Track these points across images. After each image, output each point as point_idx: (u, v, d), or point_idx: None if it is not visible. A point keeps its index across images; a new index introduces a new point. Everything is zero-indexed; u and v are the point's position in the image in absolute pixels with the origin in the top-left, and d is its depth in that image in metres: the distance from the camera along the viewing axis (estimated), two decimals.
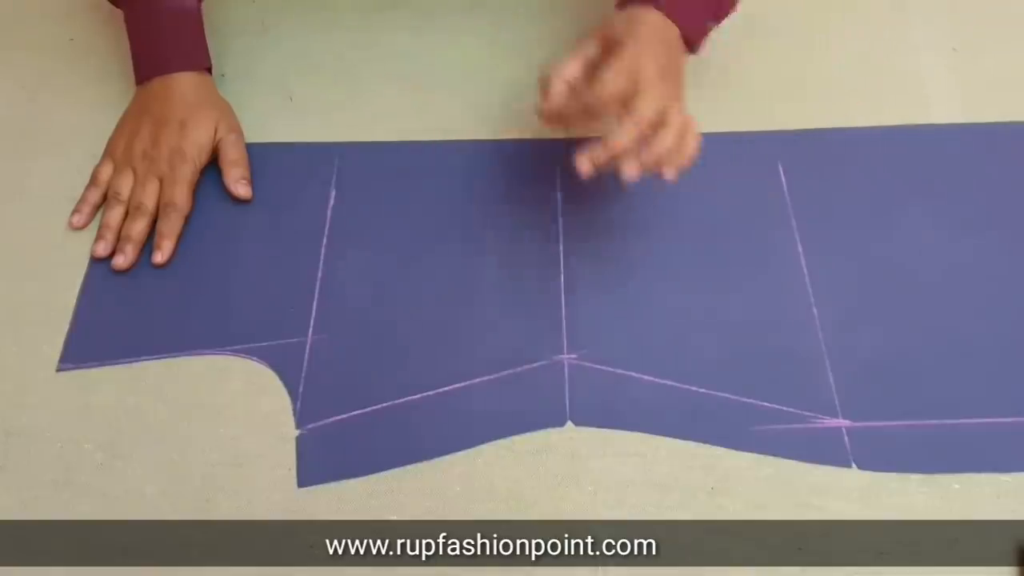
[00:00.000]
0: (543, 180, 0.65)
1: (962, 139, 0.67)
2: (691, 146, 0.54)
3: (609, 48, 0.56)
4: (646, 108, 0.52)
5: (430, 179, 0.66)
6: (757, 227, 0.63)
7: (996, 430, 0.53)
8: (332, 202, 0.65)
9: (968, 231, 0.62)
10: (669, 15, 0.59)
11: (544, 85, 0.57)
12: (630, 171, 0.52)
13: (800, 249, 0.61)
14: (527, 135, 0.68)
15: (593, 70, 0.56)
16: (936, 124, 0.68)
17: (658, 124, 0.52)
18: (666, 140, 0.52)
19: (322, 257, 0.62)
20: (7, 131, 0.70)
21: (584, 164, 0.53)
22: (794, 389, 0.55)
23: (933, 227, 0.62)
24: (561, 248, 0.61)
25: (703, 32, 0.63)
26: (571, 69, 0.56)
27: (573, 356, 0.57)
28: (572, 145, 0.66)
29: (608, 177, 0.64)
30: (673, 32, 0.59)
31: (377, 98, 0.71)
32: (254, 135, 0.68)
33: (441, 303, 0.59)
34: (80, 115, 0.71)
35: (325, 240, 0.63)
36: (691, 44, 0.62)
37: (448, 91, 0.71)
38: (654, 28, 0.58)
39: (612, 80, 0.53)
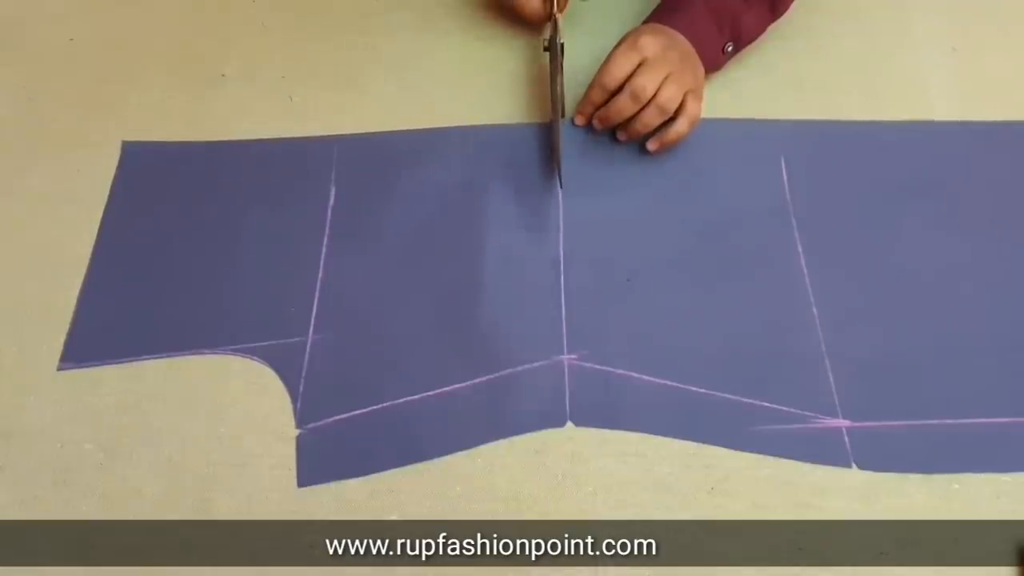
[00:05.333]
0: (544, 182, 0.65)
1: (962, 138, 0.67)
2: (677, 127, 0.62)
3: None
4: (639, 82, 0.60)
5: (430, 176, 0.66)
6: (757, 227, 0.63)
7: (996, 430, 0.53)
8: (332, 201, 0.65)
9: (968, 231, 0.62)
10: (680, 32, 0.64)
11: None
12: (620, 137, 0.65)
13: (800, 249, 0.61)
14: (527, 135, 0.68)
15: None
16: (937, 121, 0.68)
17: (652, 99, 0.61)
18: (650, 117, 0.61)
19: (323, 256, 0.62)
20: (7, 131, 0.70)
21: (580, 120, 0.66)
22: (794, 389, 0.55)
23: (933, 227, 0.62)
24: (561, 248, 0.61)
25: (718, 55, 0.67)
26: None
27: (573, 356, 0.57)
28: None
29: (608, 178, 0.65)
30: (683, 39, 0.63)
31: (377, 99, 0.71)
32: (254, 136, 0.68)
33: (441, 303, 0.59)
34: (80, 115, 0.71)
35: (326, 240, 0.63)
36: (707, 65, 0.65)
37: (448, 92, 0.71)
38: (661, 28, 0.63)
39: (617, 64, 0.61)
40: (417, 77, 0.72)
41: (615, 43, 0.64)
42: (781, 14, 0.69)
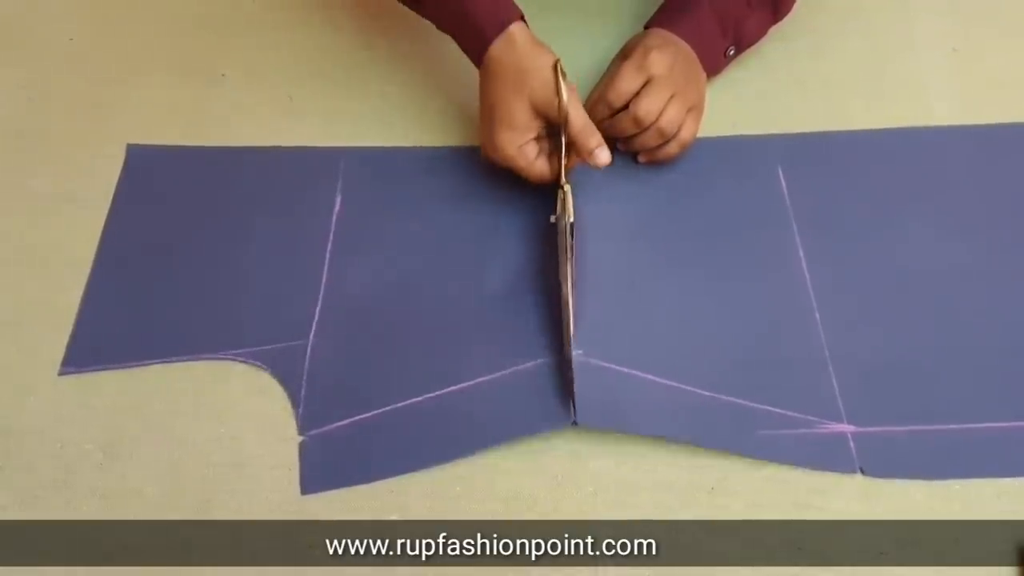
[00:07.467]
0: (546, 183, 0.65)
1: (962, 140, 0.67)
2: (669, 149, 0.63)
3: (627, 57, 0.63)
4: (643, 106, 0.60)
5: (434, 183, 0.65)
6: (758, 231, 0.62)
7: (1004, 435, 0.53)
8: (337, 207, 0.64)
9: (970, 233, 0.62)
10: (684, 37, 0.63)
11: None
12: (619, 147, 0.64)
13: (801, 253, 0.61)
14: None
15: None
16: (936, 126, 0.68)
17: (653, 121, 0.61)
18: (649, 139, 0.62)
19: (327, 263, 0.62)
20: (7, 131, 0.70)
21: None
22: (798, 393, 0.55)
23: (934, 229, 0.62)
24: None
25: (720, 59, 0.67)
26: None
27: (579, 352, 0.56)
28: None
29: (612, 182, 0.65)
30: (687, 47, 0.63)
31: (377, 100, 0.71)
32: (255, 137, 0.68)
33: (444, 306, 0.59)
34: (80, 115, 0.71)
35: (330, 246, 0.62)
36: (708, 69, 0.65)
37: (448, 94, 0.71)
38: (666, 38, 0.63)
39: (625, 81, 0.60)
40: (418, 78, 0.72)
41: (616, 43, 0.64)
42: (782, 17, 0.69)
